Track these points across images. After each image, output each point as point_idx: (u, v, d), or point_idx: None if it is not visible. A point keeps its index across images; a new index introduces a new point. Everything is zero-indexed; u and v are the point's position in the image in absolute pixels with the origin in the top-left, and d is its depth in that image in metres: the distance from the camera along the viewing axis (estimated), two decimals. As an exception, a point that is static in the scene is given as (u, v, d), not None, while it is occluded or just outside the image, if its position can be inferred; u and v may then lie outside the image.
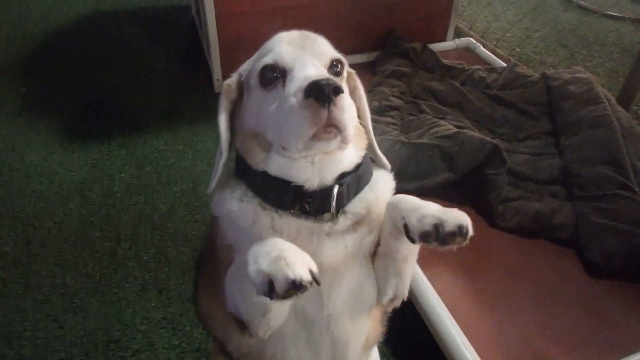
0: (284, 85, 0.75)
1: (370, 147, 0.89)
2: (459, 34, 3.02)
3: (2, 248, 1.80)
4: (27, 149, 2.27)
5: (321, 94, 0.67)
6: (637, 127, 1.90)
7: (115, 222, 1.92)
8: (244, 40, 2.49)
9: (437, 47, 2.71)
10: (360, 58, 2.62)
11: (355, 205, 0.82)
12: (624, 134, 1.78)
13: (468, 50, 2.84)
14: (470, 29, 3.23)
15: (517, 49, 3.13)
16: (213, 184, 0.84)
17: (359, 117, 0.87)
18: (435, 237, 0.69)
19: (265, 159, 0.80)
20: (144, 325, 1.56)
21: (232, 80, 0.86)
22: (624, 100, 2.15)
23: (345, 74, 0.84)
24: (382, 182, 0.87)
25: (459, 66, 2.44)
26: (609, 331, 1.36)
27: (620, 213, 1.56)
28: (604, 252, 1.48)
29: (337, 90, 0.67)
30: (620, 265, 1.48)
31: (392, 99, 2.13)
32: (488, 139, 1.71)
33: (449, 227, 0.68)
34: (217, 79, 2.58)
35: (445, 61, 2.48)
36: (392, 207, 0.79)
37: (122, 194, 2.05)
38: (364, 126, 0.88)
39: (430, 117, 1.99)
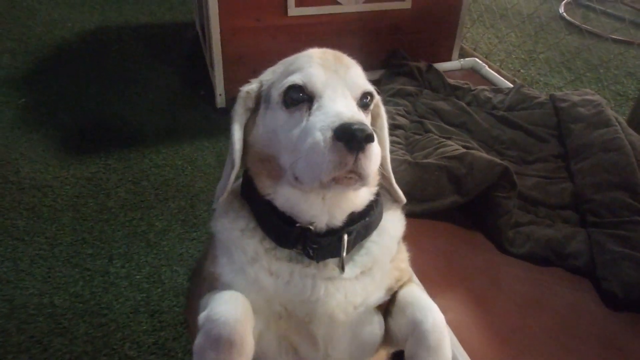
0: (309, 111, 0.71)
1: (386, 179, 0.86)
2: (462, 55, 3.01)
3: (-11, 264, 1.73)
4: (22, 161, 2.21)
5: (353, 140, 0.63)
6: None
7: (109, 239, 1.85)
8: (247, 57, 2.47)
9: (441, 66, 2.69)
10: (364, 76, 2.59)
11: (363, 258, 0.80)
12: (637, 158, 1.72)
13: (473, 71, 2.82)
14: (474, 50, 3.22)
15: (522, 71, 3.11)
16: (224, 195, 0.79)
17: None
18: None
19: (274, 187, 0.76)
20: (133, 351, 1.48)
21: (252, 88, 0.80)
22: (634, 123, 2.10)
23: (372, 106, 0.81)
24: (391, 230, 0.84)
25: (465, 86, 2.40)
26: (628, 367, 1.28)
27: (638, 241, 1.49)
28: (622, 282, 1.40)
29: (369, 139, 0.64)
30: (640, 297, 1.40)
31: (397, 117, 2.08)
32: (498, 160, 1.65)
33: None
34: (220, 94, 2.56)
35: (450, 81, 2.45)
36: (416, 341, 0.75)
37: (117, 209, 1.98)
38: (382, 157, 0.83)
39: (436, 136, 1.94)
